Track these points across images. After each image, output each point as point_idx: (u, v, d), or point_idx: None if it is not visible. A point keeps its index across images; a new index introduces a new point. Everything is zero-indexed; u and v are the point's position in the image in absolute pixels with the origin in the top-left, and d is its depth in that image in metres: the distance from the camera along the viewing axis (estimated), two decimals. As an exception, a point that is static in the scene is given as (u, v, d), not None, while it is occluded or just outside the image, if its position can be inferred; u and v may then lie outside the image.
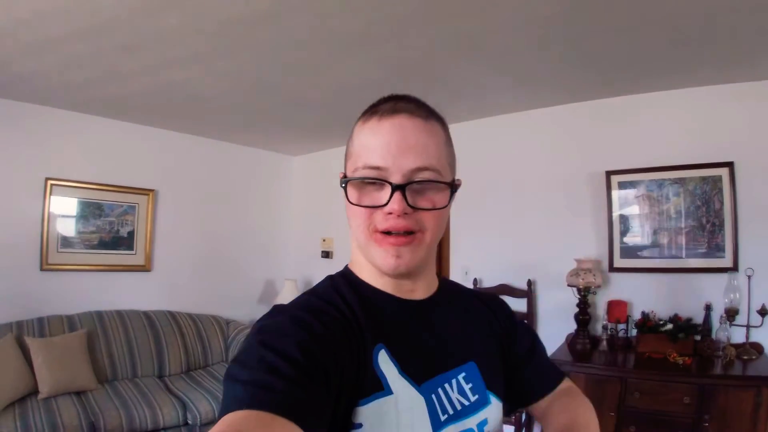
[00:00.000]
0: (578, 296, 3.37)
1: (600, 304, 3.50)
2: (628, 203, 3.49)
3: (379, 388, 0.74)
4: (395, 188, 0.76)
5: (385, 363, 0.77)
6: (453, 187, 0.82)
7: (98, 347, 3.94)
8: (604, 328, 3.33)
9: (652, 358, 3.00)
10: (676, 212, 3.32)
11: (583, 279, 3.28)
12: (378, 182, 0.78)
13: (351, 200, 0.80)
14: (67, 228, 4.22)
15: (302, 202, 5.81)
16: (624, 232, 3.50)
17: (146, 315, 4.38)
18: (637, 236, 3.45)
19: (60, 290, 4.13)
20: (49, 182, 4.09)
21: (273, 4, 2.46)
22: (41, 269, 4.06)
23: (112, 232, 4.45)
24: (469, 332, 0.92)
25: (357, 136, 0.83)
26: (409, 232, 0.78)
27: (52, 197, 4.11)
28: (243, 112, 4.26)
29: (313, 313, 0.75)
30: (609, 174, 3.52)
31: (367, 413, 0.72)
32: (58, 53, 3.08)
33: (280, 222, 5.77)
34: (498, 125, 4.13)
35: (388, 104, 0.81)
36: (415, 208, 0.78)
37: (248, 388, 0.61)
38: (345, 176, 0.83)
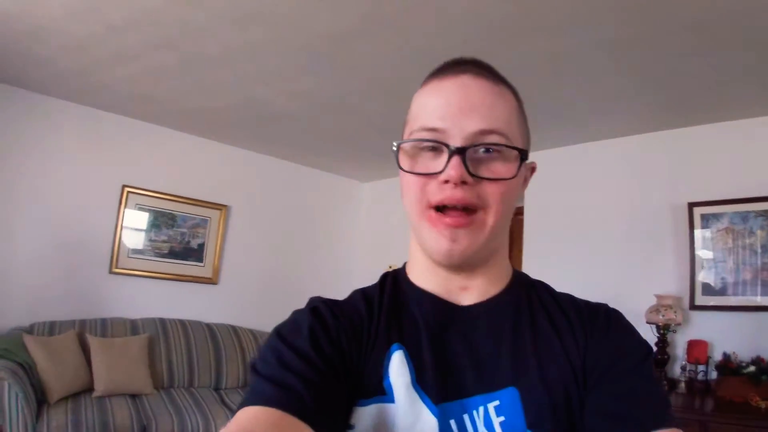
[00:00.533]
0: (657, 334, 3.18)
1: (678, 343, 3.30)
2: (711, 237, 3.32)
3: (381, 391, 0.67)
4: (453, 152, 0.65)
5: (398, 368, 0.68)
6: (524, 157, 0.69)
7: (158, 353, 3.96)
8: (683, 369, 3.15)
9: (734, 402, 2.82)
10: (761, 247, 3.13)
11: (663, 315, 3.12)
12: (435, 146, 0.67)
13: (402, 167, 0.70)
14: (139, 235, 4.32)
15: (370, 227, 5.80)
16: (706, 268, 3.31)
17: (209, 327, 4.40)
18: (720, 272, 3.26)
19: (126, 294, 4.20)
20: (126, 189, 4.22)
21: (364, 20, 2.48)
22: (110, 272, 4.15)
23: (182, 242, 4.54)
24: (523, 350, 0.70)
25: (416, 100, 0.74)
26: (468, 209, 0.66)
27: (127, 204, 4.23)
28: (320, 133, 4.32)
29: (334, 307, 0.72)
30: (691, 206, 3.36)
31: (363, 416, 0.66)
32: (145, 62, 3.18)
33: (347, 245, 5.77)
34: (575, 154, 4.05)
35: (452, 66, 0.72)
36: (476, 177, 0.66)
37: (263, 383, 0.60)
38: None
